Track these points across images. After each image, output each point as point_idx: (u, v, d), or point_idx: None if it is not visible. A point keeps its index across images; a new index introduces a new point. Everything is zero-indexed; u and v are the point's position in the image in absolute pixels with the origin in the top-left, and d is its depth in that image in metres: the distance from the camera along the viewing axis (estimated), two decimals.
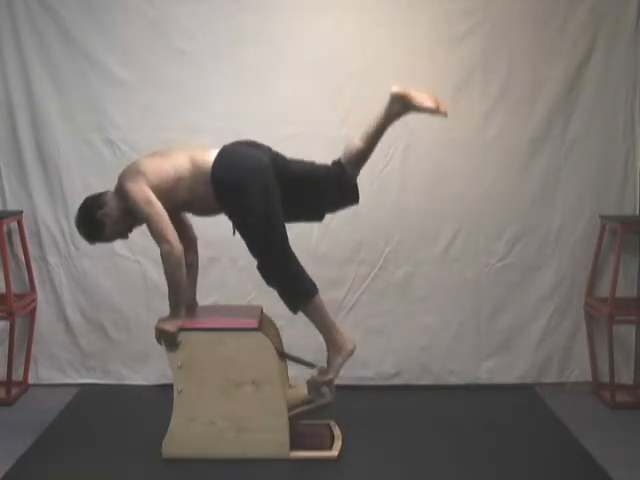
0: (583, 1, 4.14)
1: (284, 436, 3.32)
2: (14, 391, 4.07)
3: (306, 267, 4.19)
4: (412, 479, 3.22)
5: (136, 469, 3.26)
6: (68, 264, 4.26)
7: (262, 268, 3.39)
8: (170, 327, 3.30)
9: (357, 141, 3.49)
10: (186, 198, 3.36)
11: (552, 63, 4.17)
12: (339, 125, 4.19)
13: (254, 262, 4.17)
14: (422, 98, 3.41)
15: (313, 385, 3.41)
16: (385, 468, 3.29)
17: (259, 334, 3.33)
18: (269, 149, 3.48)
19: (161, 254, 3.27)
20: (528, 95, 4.19)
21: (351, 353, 3.44)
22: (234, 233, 3.44)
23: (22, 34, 4.10)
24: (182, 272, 3.29)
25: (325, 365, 3.44)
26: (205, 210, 3.47)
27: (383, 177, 4.22)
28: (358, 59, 4.17)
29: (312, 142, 4.18)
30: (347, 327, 4.24)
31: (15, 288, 4.12)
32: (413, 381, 4.28)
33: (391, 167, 4.22)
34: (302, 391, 3.48)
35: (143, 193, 3.26)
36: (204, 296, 3.89)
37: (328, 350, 3.45)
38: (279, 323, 3.72)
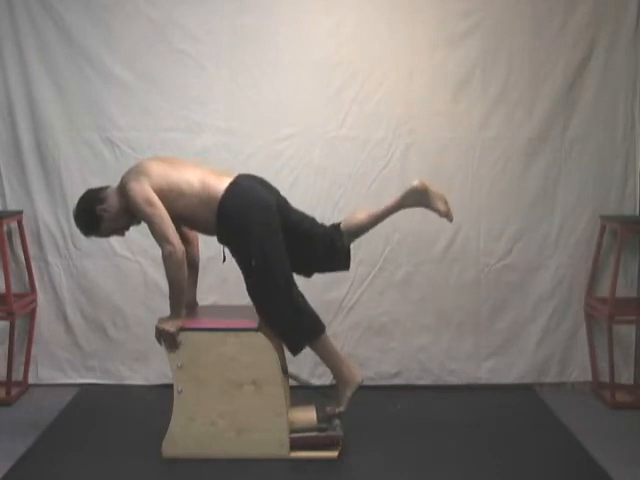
0: (583, 1, 4.14)
1: (284, 436, 3.32)
2: (14, 391, 4.07)
3: None
4: (412, 479, 3.22)
5: (136, 469, 3.26)
6: (68, 264, 4.26)
7: (261, 310, 3.39)
8: (170, 327, 3.30)
9: (361, 215, 3.46)
10: (185, 215, 3.36)
11: (552, 63, 4.17)
12: (339, 125, 4.19)
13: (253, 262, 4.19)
14: (437, 199, 3.44)
15: (327, 416, 3.42)
16: (385, 468, 3.29)
17: (259, 334, 3.33)
18: (277, 192, 3.48)
19: (163, 255, 3.27)
20: (528, 95, 4.19)
21: (359, 385, 3.45)
22: (224, 260, 3.46)
23: (22, 34, 4.10)
24: (183, 273, 3.30)
25: (335, 397, 3.45)
26: (202, 231, 3.49)
27: (383, 177, 4.22)
28: (358, 59, 4.17)
29: (312, 142, 4.19)
30: (347, 327, 4.28)
31: (15, 288, 4.12)
32: (413, 381, 4.28)
33: (391, 167, 4.22)
34: (311, 415, 3.46)
35: (145, 193, 3.25)
36: (204, 296, 3.89)
37: (336, 383, 3.47)
38: None
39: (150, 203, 3.25)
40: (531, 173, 4.24)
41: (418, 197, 3.42)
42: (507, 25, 4.15)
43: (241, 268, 3.41)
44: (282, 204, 3.45)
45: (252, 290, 3.39)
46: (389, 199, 3.46)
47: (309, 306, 3.43)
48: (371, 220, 3.45)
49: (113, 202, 3.36)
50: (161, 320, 3.35)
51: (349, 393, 3.42)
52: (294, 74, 4.15)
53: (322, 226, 3.52)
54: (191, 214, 3.36)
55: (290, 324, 3.38)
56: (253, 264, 3.31)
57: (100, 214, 3.35)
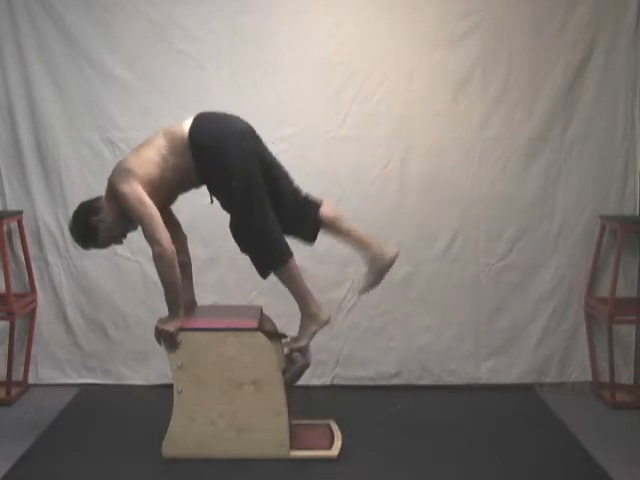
0: (583, 1, 4.14)
1: (284, 436, 3.32)
2: (14, 391, 4.07)
3: (307, 267, 4.22)
4: (412, 479, 3.22)
5: (136, 469, 3.26)
6: (68, 264, 4.26)
7: (237, 232, 3.36)
8: (169, 327, 3.30)
9: (343, 226, 3.47)
10: (176, 178, 3.34)
11: (552, 63, 4.17)
12: (339, 125, 4.19)
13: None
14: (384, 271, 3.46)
15: (288, 356, 3.42)
16: (385, 468, 3.29)
17: (259, 334, 3.33)
18: (249, 125, 3.44)
19: (152, 255, 3.26)
20: (528, 95, 4.19)
21: (325, 323, 3.44)
22: (212, 201, 3.42)
23: (22, 34, 4.10)
24: (175, 273, 3.28)
25: (296, 334, 3.44)
26: (195, 183, 3.44)
27: (383, 177, 4.22)
28: (358, 59, 4.17)
29: (312, 142, 4.19)
30: (347, 327, 4.27)
31: (15, 288, 4.12)
32: (413, 381, 4.28)
33: (391, 167, 4.22)
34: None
35: (135, 193, 3.24)
36: (204, 296, 3.89)
37: (302, 317, 3.44)
38: (279, 323, 3.71)
39: (141, 202, 3.24)
40: (531, 173, 4.24)
41: (380, 262, 3.44)
42: (507, 25, 4.15)
43: (221, 198, 3.36)
44: (257, 136, 3.42)
45: (236, 215, 3.33)
46: (364, 233, 3.46)
47: (281, 233, 3.40)
48: (344, 237, 3.47)
49: (108, 210, 3.35)
50: (160, 320, 3.35)
51: (315, 328, 3.42)
52: (294, 74, 4.15)
53: (295, 194, 3.48)
54: (178, 174, 3.33)
55: (263, 247, 3.35)
56: (234, 185, 3.27)
57: (96, 225, 3.34)
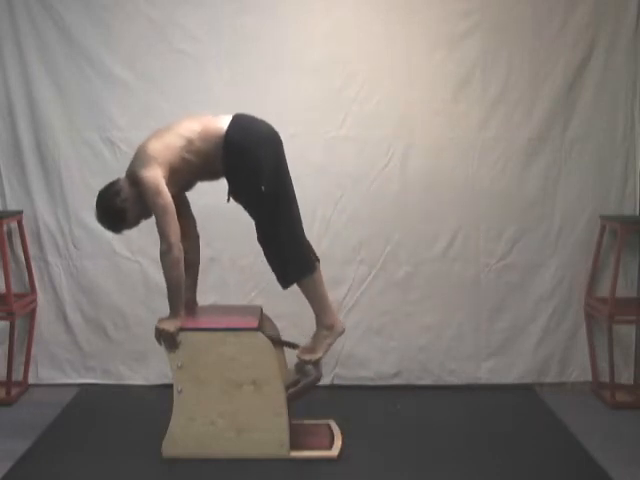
0: (583, 1, 4.13)
1: (284, 436, 3.32)
2: (14, 391, 4.07)
3: None
4: (412, 479, 3.22)
5: (136, 469, 3.26)
6: (68, 264, 4.26)
7: (262, 239, 3.36)
8: (169, 327, 3.29)
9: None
10: (197, 163, 3.33)
11: (552, 63, 4.16)
12: (339, 125, 4.19)
13: (254, 262, 4.20)
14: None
15: (299, 366, 3.42)
16: (385, 468, 3.29)
17: (259, 334, 3.33)
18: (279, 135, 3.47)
19: (160, 251, 3.26)
20: (528, 95, 4.18)
21: (340, 334, 3.45)
22: (228, 199, 3.41)
23: (22, 34, 4.10)
24: (179, 272, 3.28)
25: (309, 344, 3.43)
26: (215, 175, 3.43)
27: (383, 177, 4.22)
28: (358, 59, 4.17)
29: (312, 142, 4.19)
30: (347, 327, 4.24)
31: (15, 288, 4.12)
32: (413, 381, 4.28)
33: (391, 167, 4.22)
34: (293, 376, 3.50)
35: (154, 181, 3.23)
36: (204, 296, 3.89)
37: (317, 328, 3.44)
38: (279, 323, 3.71)
39: (158, 191, 3.22)
40: (531, 173, 4.24)
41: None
42: (507, 25, 4.15)
43: (248, 203, 3.36)
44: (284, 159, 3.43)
45: (262, 222, 3.35)
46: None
47: (309, 243, 3.42)
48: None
49: (128, 191, 3.34)
50: (160, 320, 3.34)
51: (330, 340, 3.42)
52: (294, 74, 4.15)
53: (301, 235, 3.43)
54: (203, 159, 3.32)
55: (289, 257, 3.35)
56: (264, 190, 3.27)
57: (122, 206, 3.33)
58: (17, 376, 4.18)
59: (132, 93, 4.15)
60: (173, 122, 3.43)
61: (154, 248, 4.21)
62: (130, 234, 4.19)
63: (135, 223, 3.45)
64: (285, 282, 3.42)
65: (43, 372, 4.29)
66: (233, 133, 3.31)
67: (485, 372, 4.30)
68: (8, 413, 3.91)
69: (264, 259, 4.22)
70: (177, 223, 3.26)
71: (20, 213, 4.18)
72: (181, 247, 3.26)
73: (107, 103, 4.15)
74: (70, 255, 4.25)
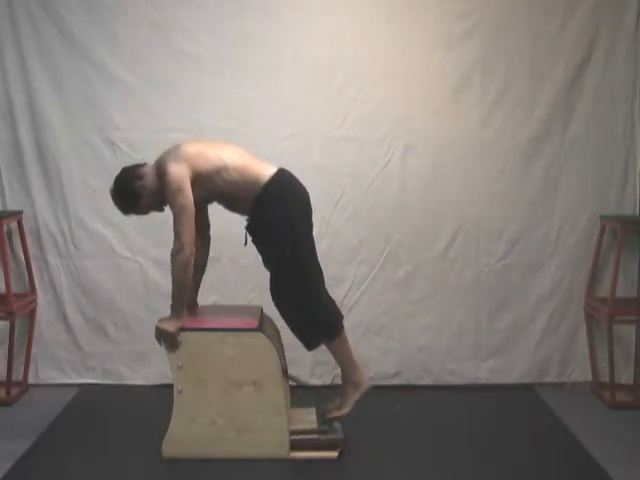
0: (583, 1, 4.14)
1: (284, 436, 3.32)
2: (14, 391, 4.07)
3: None
4: (412, 479, 3.22)
5: (136, 469, 3.26)
6: (68, 264, 4.26)
7: (280, 301, 3.39)
8: (170, 327, 3.29)
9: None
10: (225, 190, 3.34)
11: (552, 63, 4.17)
12: (339, 125, 4.19)
13: (254, 262, 4.20)
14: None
15: (327, 418, 3.44)
16: (385, 468, 3.29)
17: (259, 334, 3.33)
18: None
19: (172, 250, 3.26)
20: (527, 95, 4.19)
21: (368, 390, 3.47)
22: (245, 243, 3.44)
23: (23, 35, 4.09)
24: (188, 274, 3.28)
25: (337, 401, 3.47)
26: (237, 208, 3.44)
27: (383, 177, 4.22)
28: (358, 60, 4.17)
29: (312, 142, 4.19)
30: (347, 327, 4.25)
31: (15, 288, 4.12)
32: (413, 381, 4.28)
33: (391, 167, 4.22)
34: (311, 417, 3.52)
35: (180, 178, 3.23)
36: (204, 296, 3.89)
37: (344, 384, 3.47)
38: (280, 323, 3.71)
39: (181, 190, 3.23)
40: (531, 173, 4.24)
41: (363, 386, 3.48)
42: (507, 25, 4.15)
43: (268, 256, 3.38)
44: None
45: (279, 280, 3.37)
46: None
47: (333, 304, 3.44)
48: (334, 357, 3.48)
49: (151, 179, 3.35)
50: (161, 320, 3.34)
51: (357, 396, 3.43)
52: (294, 74, 4.15)
53: (324, 296, 3.45)
54: (232, 190, 3.33)
55: (311, 319, 3.35)
56: (288, 252, 3.28)
57: (139, 190, 3.34)
58: (17, 376, 4.18)
59: (133, 94, 4.15)
60: (220, 141, 3.47)
61: (154, 248, 4.24)
62: (130, 234, 4.22)
63: (144, 212, 3.46)
64: (308, 346, 3.46)
65: (43, 372, 4.29)
66: (274, 187, 3.31)
67: (485, 372, 4.30)
68: (8, 413, 3.91)
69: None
70: (193, 225, 3.26)
71: (20, 213, 4.18)
72: (193, 249, 3.26)
73: (108, 104, 4.15)
74: (70, 255, 4.25)
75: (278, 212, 3.31)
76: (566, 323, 4.31)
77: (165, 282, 4.19)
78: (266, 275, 4.27)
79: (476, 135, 4.21)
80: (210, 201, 3.50)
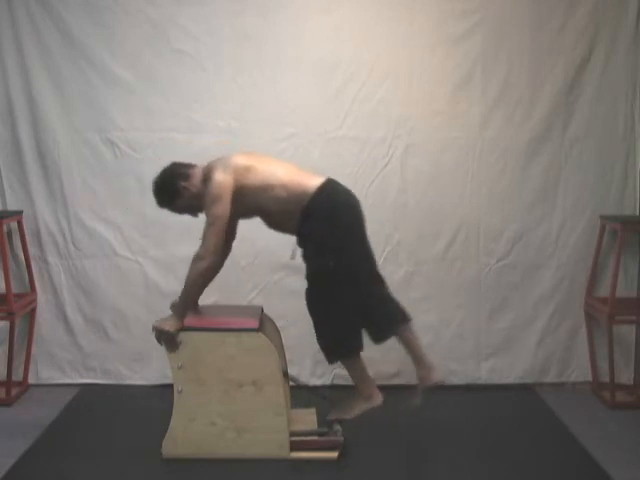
0: (583, 1, 4.14)
1: (284, 436, 3.32)
2: (14, 391, 4.07)
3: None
4: (412, 479, 3.22)
5: (136, 469, 3.26)
6: (68, 264, 4.25)
7: (313, 309, 3.40)
8: (170, 327, 3.29)
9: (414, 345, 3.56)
10: (271, 208, 3.35)
11: (552, 63, 4.17)
12: (339, 125, 4.19)
13: (254, 262, 4.21)
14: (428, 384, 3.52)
15: (328, 420, 3.45)
16: (385, 468, 3.29)
17: (260, 335, 3.33)
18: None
19: (194, 256, 3.26)
20: (528, 95, 4.19)
21: (378, 406, 3.49)
22: (293, 257, 3.46)
23: (22, 35, 4.09)
24: (201, 283, 3.33)
25: (343, 403, 3.51)
26: (282, 226, 3.45)
27: (383, 177, 4.22)
28: (358, 59, 4.17)
29: (312, 142, 4.19)
30: None
31: (15, 288, 4.12)
32: (413, 381, 4.26)
33: (391, 167, 4.22)
34: (312, 418, 3.54)
35: (222, 187, 3.24)
36: (204, 296, 3.88)
37: (357, 394, 3.50)
38: (280, 323, 3.72)
39: (219, 199, 3.23)
40: (531, 173, 4.24)
41: (422, 382, 3.53)
42: (507, 25, 4.15)
43: (310, 269, 3.37)
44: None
45: (317, 292, 3.38)
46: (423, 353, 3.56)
47: (360, 326, 3.44)
48: (406, 348, 3.57)
49: (196, 182, 3.36)
50: (161, 320, 3.34)
51: (365, 407, 3.46)
52: (294, 74, 4.15)
53: (384, 290, 3.52)
54: (278, 208, 3.34)
55: (335, 335, 3.39)
56: (331, 265, 3.28)
57: (181, 190, 3.36)
58: (17, 376, 4.18)
59: (132, 93, 4.14)
60: (270, 156, 3.52)
61: (154, 248, 4.24)
62: (130, 234, 4.22)
63: (179, 212, 3.48)
64: (328, 359, 3.49)
65: (43, 372, 4.29)
66: (317, 200, 3.31)
67: (485, 372, 4.30)
68: (8, 413, 3.91)
69: (264, 259, 4.24)
70: (222, 237, 3.27)
71: (20, 213, 4.18)
72: (213, 262, 3.28)
73: (107, 103, 4.15)
74: (70, 255, 4.25)
75: (321, 225, 3.30)
76: (566, 323, 4.31)
77: (165, 282, 4.21)
78: (266, 276, 4.29)
79: (476, 135, 4.22)
80: (249, 216, 3.49)
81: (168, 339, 3.30)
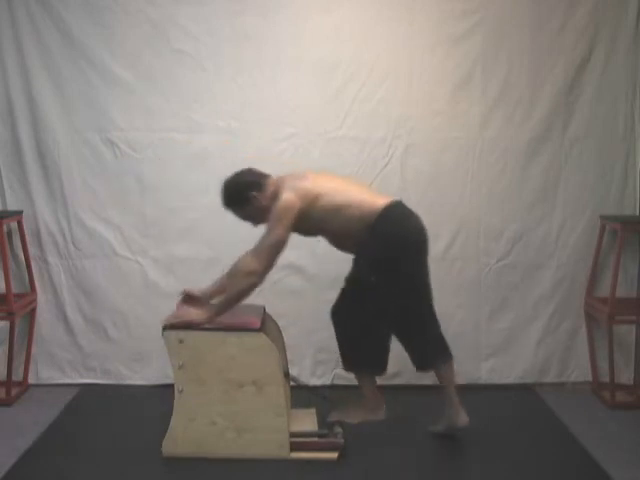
0: (583, 1, 4.14)
1: (284, 436, 3.32)
2: (14, 391, 4.07)
3: (307, 267, 4.24)
4: (412, 479, 3.22)
5: (136, 469, 3.26)
6: (68, 264, 4.25)
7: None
8: (196, 317, 3.29)
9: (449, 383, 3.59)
10: (339, 231, 3.40)
11: (552, 63, 4.17)
12: (339, 125, 4.19)
13: None
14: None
15: (327, 421, 3.49)
16: (385, 468, 3.29)
17: (261, 335, 3.33)
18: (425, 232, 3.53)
19: (247, 269, 3.28)
20: (528, 95, 4.19)
21: (379, 420, 3.60)
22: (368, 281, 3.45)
23: (22, 34, 4.09)
24: (245, 296, 3.32)
25: (347, 408, 3.61)
26: (344, 246, 3.48)
27: (383, 177, 4.22)
28: (358, 59, 4.17)
29: (312, 142, 4.19)
30: None
31: (15, 288, 4.11)
32: (413, 381, 4.28)
33: (391, 167, 4.22)
34: (312, 419, 3.55)
35: (288, 208, 3.27)
36: None
37: (362, 402, 3.62)
38: (280, 323, 3.72)
39: (284, 220, 3.26)
40: (531, 173, 4.24)
41: (450, 423, 3.53)
42: (507, 25, 4.15)
43: (362, 279, 3.40)
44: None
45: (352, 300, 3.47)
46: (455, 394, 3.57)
47: (385, 348, 3.60)
48: (442, 384, 3.60)
49: (267, 195, 3.38)
50: (190, 310, 3.34)
51: (366, 418, 3.60)
52: (294, 74, 4.15)
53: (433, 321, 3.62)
54: (345, 230, 3.39)
55: (361, 349, 3.52)
56: (372, 280, 3.33)
57: (250, 199, 3.38)
58: (17, 376, 4.17)
59: (132, 93, 4.14)
60: (341, 177, 3.57)
61: (154, 248, 4.24)
62: (130, 234, 4.22)
63: (242, 217, 3.50)
64: (343, 365, 3.66)
65: (43, 372, 4.29)
66: (385, 218, 3.35)
67: (485, 372, 4.30)
68: (8, 413, 3.91)
69: None
70: (278, 258, 3.31)
71: (20, 213, 4.18)
72: (262, 281, 3.30)
73: (107, 103, 4.15)
74: (70, 255, 4.25)
75: (376, 244, 3.33)
76: (566, 323, 4.31)
77: (165, 282, 4.21)
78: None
79: (476, 135, 4.22)
80: (309, 235, 3.53)
81: (188, 322, 3.29)
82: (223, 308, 3.34)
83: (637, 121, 4.24)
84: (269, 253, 3.27)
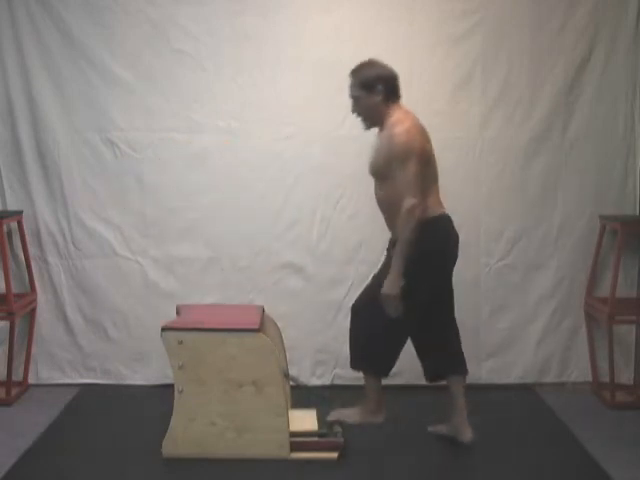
0: (583, 1, 4.14)
1: (284, 436, 3.32)
2: (14, 391, 4.07)
3: (307, 267, 4.23)
4: (412, 479, 3.22)
5: (136, 469, 3.26)
6: (68, 264, 4.25)
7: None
8: (391, 290, 3.27)
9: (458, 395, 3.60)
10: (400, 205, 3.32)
11: (552, 63, 4.17)
12: (339, 125, 4.18)
13: (254, 262, 4.21)
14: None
15: (327, 421, 3.48)
16: (385, 468, 3.30)
17: (261, 335, 3.33)
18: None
19: (405, 207, 3.24)
20: (528, 95, 4.19)
21: (378, 422, 3.60)
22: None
23: (22, 35, 4.09)
24: (414, 231, 3.26)
25: (348, 408, 3.60)
26: (394, 226, 3.42)
27: None
28: (358, 59, 4.15)
29: (312, 142, 4.19)
30: (347, 327, 4.25)
31: (15, 288, 4.12)
32: (413, 381, 4.27)
33: None
34: (312, 419, 3.53)
35: (411, 153, 3.28)
36: (204, 296, 3.89)
37: (364, 404, 3.59)
38: (279, 323, 3.72)
39: (411, 157, 3.27)
40: (531, 173, 4.24)
41: (454, 433, 3.53)
42: (507, 25, 4.15)
43: (403, 294, 3.34)
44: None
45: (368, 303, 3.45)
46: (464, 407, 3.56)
47: (396, 352, 3.57)
48: (451, 398, 3.60)
49: (384, 108, 3.40)
50: (384, 287, 3.30)
51: (366, 420, 3.59)
52: (294, 74, 4.15)
53: (453, 331, 3.60)
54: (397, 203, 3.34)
55: (373, 349, 3.50)
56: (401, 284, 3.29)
57: (375, 91, 3.41)
58: (17, 376, 4.17)
59: (132, 93, 4.14)
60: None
61: (154, 248, 4.24)
62: (130, 234, 4.22)
63: (360, 109, 3.49)
64: (351, 364, 3.64)
65: (43, 372, 4.29)
66: (442, 220, 3.41)
67: (485, 372, 4.30)
68: (8, 413, 3.91)
69: (264, 259, 4.24)
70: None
71: (20, 213, 4.18)
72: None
73: (107, 103, 4.15)
74: (70, 255, 4.25)
75: (417, 246, 3.27)
76: (566, 323, 4.31)
77: (165, 282, 4.21)
78: (266, 275, 4.28)
79: (476, 135, 4.22)
80: (388, 201, 3.45)
81: (391, 303, 3.28)
82: (398, 258, 3.27)
83: (637, 121, 4.24)
84: (414, 184, 3.26)
